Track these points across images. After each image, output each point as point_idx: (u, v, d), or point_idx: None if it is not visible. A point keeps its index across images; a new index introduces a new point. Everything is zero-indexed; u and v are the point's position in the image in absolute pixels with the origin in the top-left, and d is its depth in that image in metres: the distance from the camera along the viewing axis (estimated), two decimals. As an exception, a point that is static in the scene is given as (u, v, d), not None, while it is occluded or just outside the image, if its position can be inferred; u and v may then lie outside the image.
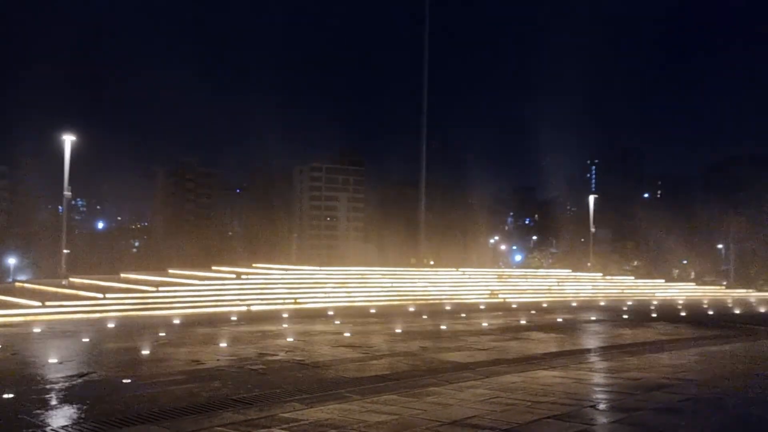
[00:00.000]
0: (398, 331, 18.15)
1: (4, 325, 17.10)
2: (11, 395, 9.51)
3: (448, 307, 25.96)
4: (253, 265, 29.20)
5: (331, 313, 22.69)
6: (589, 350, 15.75)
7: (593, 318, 24.49)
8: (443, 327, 19.39)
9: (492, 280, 33.98)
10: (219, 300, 23.09)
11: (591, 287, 38.29)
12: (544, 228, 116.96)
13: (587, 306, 30.76)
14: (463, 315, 23.65)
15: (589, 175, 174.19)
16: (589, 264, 54.37)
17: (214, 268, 27.99)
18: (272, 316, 21.48)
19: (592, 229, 51.87)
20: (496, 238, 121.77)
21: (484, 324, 20.63)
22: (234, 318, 20.68)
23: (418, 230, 41.65)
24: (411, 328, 19.10)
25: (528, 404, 8.67)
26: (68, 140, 27.46)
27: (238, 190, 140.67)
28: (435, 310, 24.60)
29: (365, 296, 26.56)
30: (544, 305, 29.37)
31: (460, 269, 33.85)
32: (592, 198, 53.09)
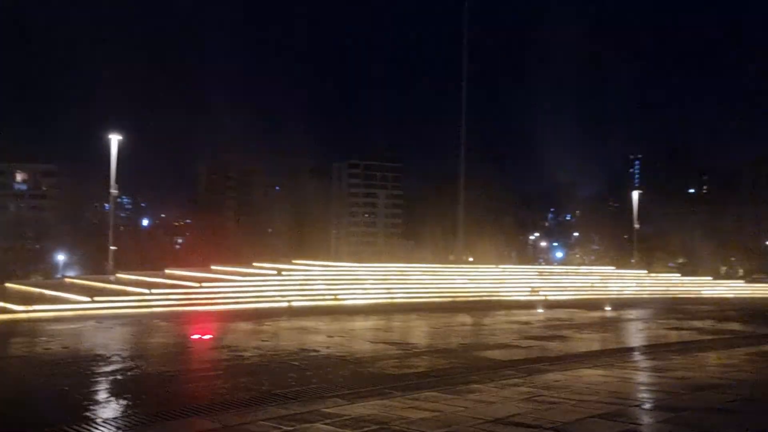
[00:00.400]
0: (438, 328, 18.12)
1: (56, 319, 17.65)
2: (63, 387, 9.81)
3: (488, 305, 25.80)
4: (294, 261, 29.50)
5: (370, 309, 22.77)
6: (633, 348, 15.46)
7: (638, 316, 24.03)
8: (483, 324, 19.28)
9: (533, 277, 33.64)
10: (260, 296, 23.40)
11: (635, 284, 37.56)
12: (585, 224, 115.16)
13: (631, 303, 30.19)
14: (504, 312, 23.46)
15: (632, 169, 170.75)
16: (632, 261, 53.32)
17: (255, 264, 28.36)
18: (313, 312, 21.67)
19: (636, 225, 50.81)
20: (536, 234, 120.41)
21: (525, 321, 20.42)
22: (275, 314, 20.94)
23: (456, 226, 41.46)
24: (451, 325, 19.04)
25: (572, 403, 8.55)
26: (115, 139, 28.17)
27: (277, 188, 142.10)
28: (475, 307, 24.47)
29: (405, 293, 26.57)
30: (587, 303, 28.93)
31: (500, 266, 33.59)
32: (635, 193, 51.99)
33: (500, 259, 45.85)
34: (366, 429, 7.14)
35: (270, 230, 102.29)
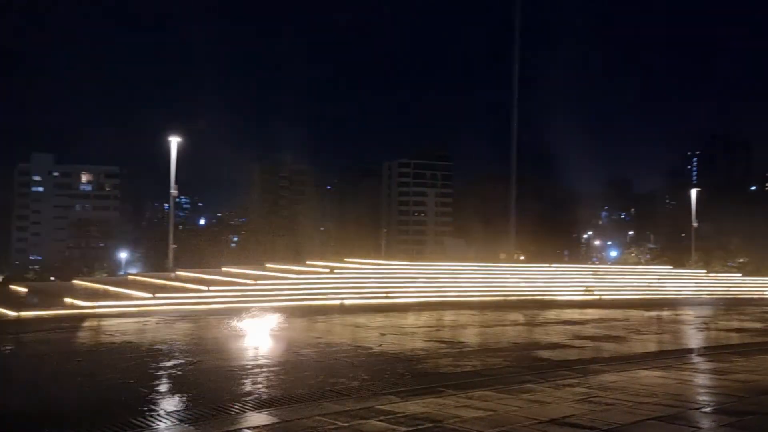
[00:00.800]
0: (490, 326, 18.06)
1: (120, 315, 18.38)
2: (128, 380, 10.24)
3: (540, 304, 25.54)
4: (346, 259, 29.83)
5: (422, 307, 22.84)
6: (692, 350, 15.09)
7: (696, 316, 23.38)
8: (536, 323, 19.12)
9: (586, 275, 33.05)
10: (314, 293, 23.77)
11: (693, 284, 36.49)
12: (641, 222, 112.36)
13: (689, 304, 29.36)
14: (556, 311, 23.18)
15: (690, 166, 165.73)
16: (691, 260, 51.76)
17: (308, 262, 28.82)
18: (364, 310, 21.89)
19: (695, 224, 49.30)
20: (590, 233, 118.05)
21: (579, 320, 20.14)
22: (328, 311, 21.25)
23: (507, 225, 41.07)
24: (503, 323, 18.96)
25: (629, 405, 8.45)
26: (174, 141, 29.06)
27: (329, 187, 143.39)
28: (526, 306, 24.26)
29: (456, 291, 26.54)
30: (643, 303, 28.29)
31: (553, 265, 33.13)
32: (694, 191, 50.46)
33: (552, 258, 45.08)
34: (420, 427, 7.24)
35: (322, 229, 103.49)
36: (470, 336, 16.04)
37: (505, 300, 26.16)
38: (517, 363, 12.34)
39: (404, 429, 7.14)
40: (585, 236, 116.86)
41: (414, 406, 8.24)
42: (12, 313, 17.71)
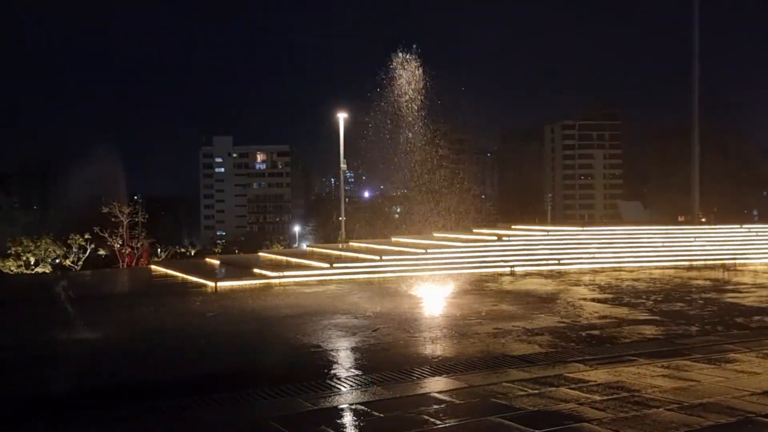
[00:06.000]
0: (676, 292, 16.89)
1: (304, 284, 19.65)
2: (318, 343, 10.90)
3: (731, 269, 23.41)
4: (513, 227, 29.31)
5: (597, 273, 21.93)
6: None
7: None
8: (728, 290, 17.57)
9: (787, 237, 29.60)
10: (482, 261, 23.68)
11: None
12: None
13: None
14: (752, 278, 21.13)
15: None
16: None
17: (475, 230, 28.70)
18: (535, 277, 21.47)
19: None
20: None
21: (781, 287, 18.20)
22: (498, 278, 21.11)
23: (686, 185, 37.89)
24: (691, 290, 17.64)
25: None
26: (341, 118, 30.23)
27: (489, 155, 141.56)
28: (715, 272, 22.37)
29: (634, 257, 25.08)
30: None
31: (745, 226, 30.10)
32: None
33: (739, 219, 40.95)
34: (616, 396, 6.97)
35: (482, 197, 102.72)
36: (654, 303, 15.12)
37: (690, 265, 24.30)
38: (713, 330, 11.45)
39: (599, 397, 6.92)
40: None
41: (605, 375, 7.96)
42: (210, 283, 19.58)
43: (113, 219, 44.85)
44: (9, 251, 46.46)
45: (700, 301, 15.42)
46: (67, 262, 47.94)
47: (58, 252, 48.08)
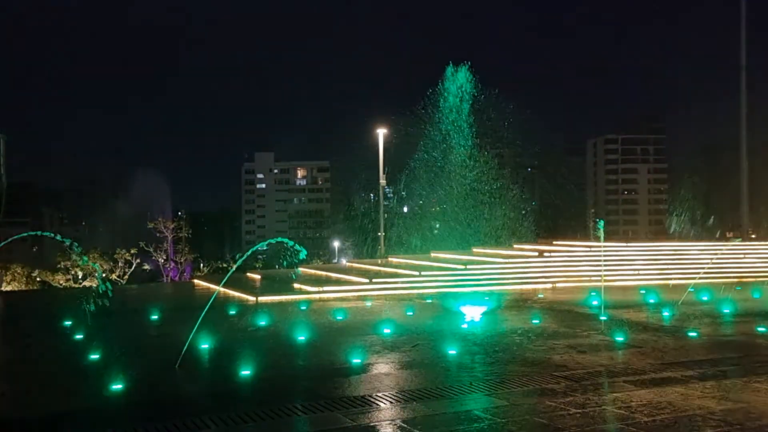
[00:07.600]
0: (727, 310, 16.34)
1: (343, 299, 19.66)
2: (355, 359, 10.84)
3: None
4: (554, 242, 28.88)
5: (641, 291, 21.40)
6: None
7: None
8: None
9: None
10: (523, 277, 23.38)
11: None
12: None
13: None
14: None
15: None
16: None
17: (516, 246, 28.38)
18: (578, 293, 21.06)
19: None
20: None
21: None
22: (540, 294, 20.77)
23: (735, 200, 36.84)
24: (747, 307, 17.03)
25: None
26: (381, 133, 30.36)
27: (529, 169, 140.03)
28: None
29: (681, 273, 24.39)
30: None
31: (797, 242, 29.05)
32: None
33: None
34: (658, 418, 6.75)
35: (524, 212, 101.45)
36: (703, 324, 14.65)
37: (740, 282, 23.52)
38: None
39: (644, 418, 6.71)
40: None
41: (650, 395, 7.72)
42: (252, 298, 19.76)
43: (158, 234, 45.80)
44: (58, 266, 47.82)
45: (755, 320, 14.88)
46: (114, 276, 49.14)
47: (104, 266, 49.31)
